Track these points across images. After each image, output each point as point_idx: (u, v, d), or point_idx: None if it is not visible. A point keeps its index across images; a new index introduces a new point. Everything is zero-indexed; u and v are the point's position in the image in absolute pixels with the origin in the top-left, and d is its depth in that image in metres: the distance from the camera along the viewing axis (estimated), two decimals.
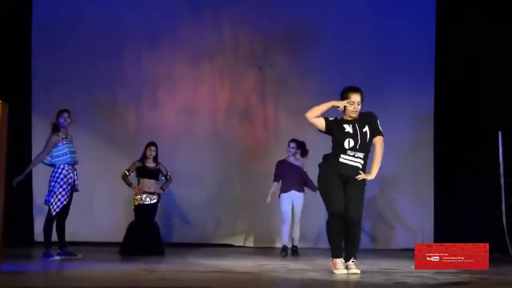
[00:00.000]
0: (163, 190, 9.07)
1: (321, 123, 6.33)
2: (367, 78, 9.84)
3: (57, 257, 7.85)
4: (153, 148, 8.99)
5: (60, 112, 8.07)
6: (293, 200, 8.97)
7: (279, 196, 9.02)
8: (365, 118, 6.33)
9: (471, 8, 10.06)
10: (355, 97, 6.28)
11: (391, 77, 10.28)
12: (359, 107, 6.30)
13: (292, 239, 9.05)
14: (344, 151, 6.22)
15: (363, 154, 6.25)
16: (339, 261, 6.28)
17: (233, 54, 10.71)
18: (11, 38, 10.22)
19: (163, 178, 9.06)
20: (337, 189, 6.24)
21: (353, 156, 6.22)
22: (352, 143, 6.22)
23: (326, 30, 10.54)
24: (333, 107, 6.29)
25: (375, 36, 10.48)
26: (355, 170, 6.23)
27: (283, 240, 9.01)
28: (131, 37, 10.62)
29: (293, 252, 8.95)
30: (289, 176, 9.00)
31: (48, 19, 10.48)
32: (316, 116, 6.30)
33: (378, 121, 6.37)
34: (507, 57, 9.84)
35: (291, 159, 9.11)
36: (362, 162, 6.25)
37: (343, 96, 6.31)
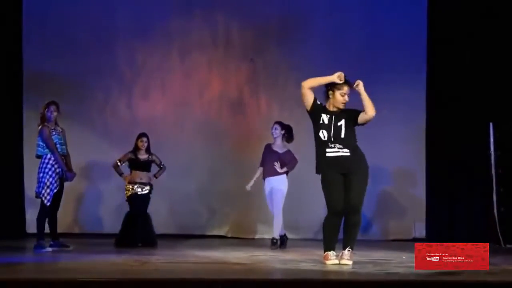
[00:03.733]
0: (156, 177, 9.07)
1: (310, 99, 6.27)
2: (359, 69, 9.82)
3: (49, 249, 7.86)
4: (144, 139, 9.00)
5: (48, 105, 8.06)
6: (271, 187, 8.66)
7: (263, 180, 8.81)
8: (344, 112, 6.28)
9: None
10: (348, 90, 6.26)
11: (382, 69, 10.24)
12: (347, 100, 6.28)
13: (274, 231, 8.64)
14: (326, 145, 6.20)
15: (341, 145, 6.21)
16: (331, 253, 6.32)
17: (224, 45, 10.67)
18: (1, 31, 10.14)
19: (158, 167, 9.10)
20: (336, 186, 6.22)
21: (335, 147, 6.21)
22: (325, 134, 6.21)
23: (318, 22, 10.51)
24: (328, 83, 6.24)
25: (367, 27, 10.45)
26: (346, 159, 6.21)
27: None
28: (123, 29, 10.58)
29: (279, 243, 8.52)
30: (268, 162, 8.69)
31: (39, 12, 10.40)
32: (311, 87, 6.26)
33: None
34: (498, 48, 9.85)
35: (275, 144, 8.76)
36: (348, 150, 6.20)
37: (335, 85, 6.27)
